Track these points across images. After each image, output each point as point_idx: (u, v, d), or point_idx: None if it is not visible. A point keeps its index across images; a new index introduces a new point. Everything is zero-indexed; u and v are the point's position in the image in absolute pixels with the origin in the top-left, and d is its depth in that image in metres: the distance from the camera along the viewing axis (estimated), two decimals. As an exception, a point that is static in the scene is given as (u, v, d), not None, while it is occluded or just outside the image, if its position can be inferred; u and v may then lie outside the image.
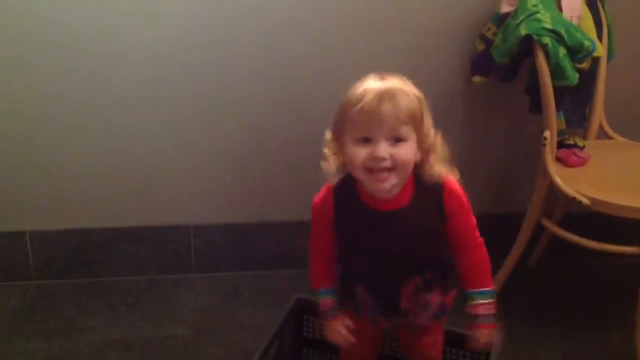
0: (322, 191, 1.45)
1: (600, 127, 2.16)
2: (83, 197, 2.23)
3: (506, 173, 2.35)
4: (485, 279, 1.47)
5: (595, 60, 2.06)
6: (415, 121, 1.29)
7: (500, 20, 2.02)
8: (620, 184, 1.94)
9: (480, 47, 2.10)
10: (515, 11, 1.94)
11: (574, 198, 1.85)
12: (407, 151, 1.29)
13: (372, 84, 1.29)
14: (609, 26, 2.10)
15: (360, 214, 1.39)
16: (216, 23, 2.06)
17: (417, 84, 2.14)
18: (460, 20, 2.14)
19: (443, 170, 1.37)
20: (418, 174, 1.38)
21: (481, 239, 1.46)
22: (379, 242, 1.40)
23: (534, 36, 1.83)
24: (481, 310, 1.46)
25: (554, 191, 1.95)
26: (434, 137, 1.35)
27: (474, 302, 1.46)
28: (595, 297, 2.27)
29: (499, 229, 2.21)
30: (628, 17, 2.18)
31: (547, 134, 1.90)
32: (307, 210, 2.29)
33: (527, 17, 1.86)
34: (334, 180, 1.42)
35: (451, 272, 1.49)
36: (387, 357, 1.73)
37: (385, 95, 1.26)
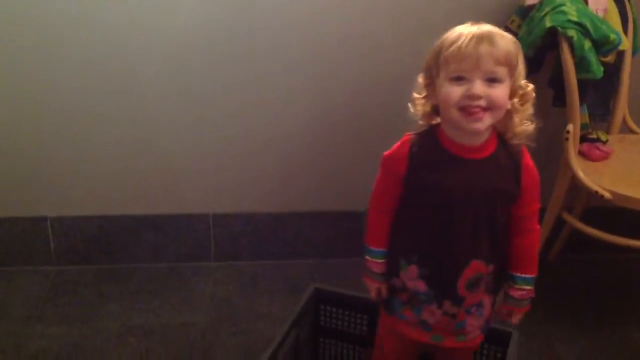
0: (396, 144, 1.40)
1: (624, 121, 2.14)
2: (104, 184, 2.25)
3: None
4: (532, 265, 1.45)
5: (620, 54, 2.04)
6: (511, 64, 1.29)
7: (525, 12, 2.00)
8: (644, 178, 1.93)
9: (504, 39, 2.08)
10: (540, 3, 1.92)
11: (596, 192, 1.84)
12: (502, 92, 1.28)
13: (468, 28, 1.29)
14: (634, 20, 2.08)
15: (439, 160, 1.35)
16: (239, 15, 2.07)
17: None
18: (484, 13, 2.12)
19: (527, 132, 1.37)
20: (503, 131, 1.37)
21: (538, 227, 1.45)
22: (454, 190, 1.34)
23: (559, 28, 1.81)
24: (520, 295, 1.45)
25: (575, 185, 1.94)
26: (526, 86, 1.35)
27: (516, 285, 1.44)
28: (615, 292, 2.26)
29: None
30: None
31: (570, 127, 1.89)
32: (326, 202, 2.32)
33: (552, 9, 1.85)
34: (418, 126, 1.38)
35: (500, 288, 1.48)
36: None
37: (482, 36, 1.26)
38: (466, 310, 1.43)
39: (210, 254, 2.35)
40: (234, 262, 2.36)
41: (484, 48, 1.25)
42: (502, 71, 1.27)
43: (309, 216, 2.34)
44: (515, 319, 1.48)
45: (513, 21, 2.05)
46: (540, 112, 2.21)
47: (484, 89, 1.26)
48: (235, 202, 2.31)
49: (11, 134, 2.15)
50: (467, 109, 1.27)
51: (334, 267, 2.33)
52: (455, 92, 1.27)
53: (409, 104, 1.38)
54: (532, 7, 1.97)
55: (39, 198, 2.24)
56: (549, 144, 2.20)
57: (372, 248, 1.47)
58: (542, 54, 1.98)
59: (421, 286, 1.41)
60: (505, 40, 1.28)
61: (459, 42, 1.26)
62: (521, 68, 1.32)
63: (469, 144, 1.34)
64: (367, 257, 1.48)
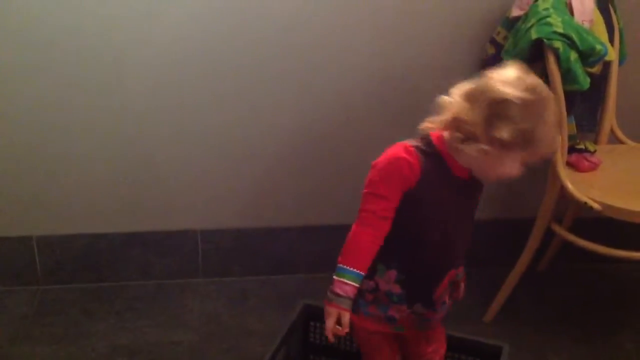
0: (405, 152, 1.35)
1: (612, 131, 2.14)
2: (90, 202, 2.22)
3: (517, 178, 2.32)
4: None
5: (607, 65, 2.04)
6: None
7: (511, 24, 2.00)
8: (632, 189, 1.92)
9: (491, 51, 2.08)
10: (526, 15, 1.92)
11: (585, 203, 1.83)
12: None
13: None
14: (620, 30, 2.08)
15: (443, 180, 1.37)
16: (227, 29, 2.06)
17: (426, 89, 2.15)
18: (470, 25, 2.12)
19: None
20: None
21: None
22: (451, 208, 1.40)
23: (545, 40, 1.81)
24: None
25: (564, 196, 1.93)
26: None
27: None
28: (606, 303, 2.25)
29: (508, 234, 2.21)
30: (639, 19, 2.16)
31: (558, 138, 1.88)
32: (315, 216, 2.31)
33: (538, 21, 1.85)
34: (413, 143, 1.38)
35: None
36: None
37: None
38: (433, 309, 1.48)
39: (198, 270, 2.33)
40: (222, 278, 2.34)
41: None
42: None
43: (298, 231, 2.33)
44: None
45: (499, 33, 2.05)
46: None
47: None
48: (223, 218, 2.29)
49: (-5, 153, 2.14)
50: None
51: (324, 281, 2.29)
52: (516, 170, 1.37)
53: (427, 121, 1.38)
54: (517, 18, 1.97)
55: (24, 217, 2.21)
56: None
57: (352, 269, 1.37)
58: (528, 65, 1.97)
59: (396, 289, 1.44)
60: None
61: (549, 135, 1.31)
62: None
63: (465, 166, 1.38)
64: (341, 279, 1.37)
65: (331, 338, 1.41)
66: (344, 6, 2.07)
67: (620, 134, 2.15)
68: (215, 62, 2.10)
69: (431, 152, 1.37)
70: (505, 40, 2.02)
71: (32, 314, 2.16)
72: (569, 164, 1.99)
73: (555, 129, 1.33)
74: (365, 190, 1.39)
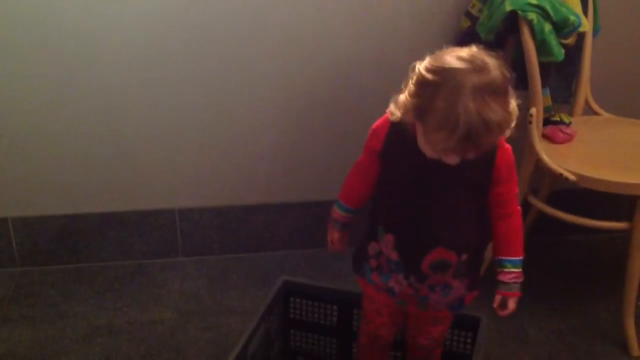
0: (382, 119, 1.43)
1: (587, 103, 2.15)
2: (66, 182, 2.20)
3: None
4: (518, 247, 1.47)
5: (581, 36, 2.05)
6: None
7: (485, -4, 2.00)
8: (607, 159, 1.93)
9: (466, 24, 2.08)
10: (500, -13, 1.92)
11: (561, 174, 1.85)
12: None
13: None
14: (594, 1, 2.08)
15: (410, 148, 1.34)
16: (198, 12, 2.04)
17: (402, 63, 2.13)
18: (445, -3, 2.12)
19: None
20: None
21: (519, 208, 1.46)
22: (421, 180, 1.38)
23: (519, 12, 1.81)
24: (509, 278, 1.47)
25: (540, 168, 1.94)
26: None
27: (505, 269, 1.46)
28: (582, 273, 2.28)
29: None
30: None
31: (533, 110, 1.89)
32: (293, 192, 2.31)
33: (512, -8, 1.84)
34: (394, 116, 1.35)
35: (477, 272, 1.51)
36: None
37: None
38: (429, 287, 1.47)
39: (177, 249, 2.33)
40: (202, 256, 2.33)
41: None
42: None
43: (277, 208, 2.33)
44: (512, 304, 1.49)
45: (474, 5, 2.04)
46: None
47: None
48: (201, 196, 2.29)
49: (-33, 134, 2.11)
50: None
51: (304, 257, 2.32)
52: (430, 151, 1.29)
53: (392, 106, 1.33)
54: (492, -9, 1.97)
55: (-1, 199, 2.20)
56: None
57: (341, 202, 1.56)
58: (503, 37, 1.98)
59: (394, 255, 1.45)
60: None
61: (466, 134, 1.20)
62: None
63: None
64: (334, 208, 1.57)
65: (330, 249, 1.62)
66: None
67: (595, 105, 2.16)
68: (193, 35, 2.07)
69: (407, 128, 1.36)
70: (480, 13, 2.01)
71: (10, 296, 2.15)
72: (544, 136, 1.99)
73: (444, 123, 1.20)
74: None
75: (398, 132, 1.37)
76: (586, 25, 2.00)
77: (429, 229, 1.41)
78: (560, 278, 2.26)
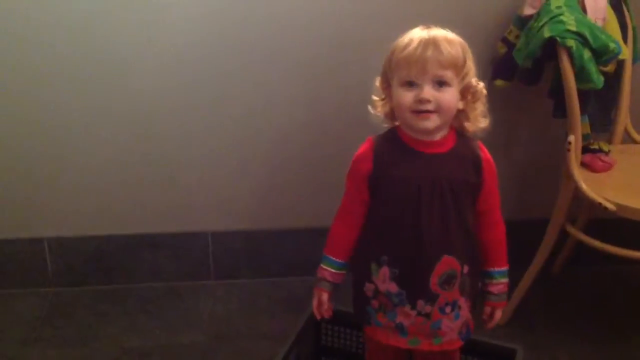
0: (362, 146, 1.46)
1: (626, 131, 2.12)
2: (101, 204, 2.22)
3: (530, 178, 2.31)
4: (504, 258, 1.52)
5: (621, 63, 2.02)
6: (457, 67, 1.37)
7: (523, 22, 1.98)
8: (648, 188, 1.90)
9: (503, 50, 2.06)
10: (538, 13, 1.90)
11: (600, 204, 1.81)
12: (450, 95, 1.36)
13: (417, 33, 1.38)
14: (634, 28, 2.06)
15: (403, 156, 1.41)
16: (225, 31, 2.05)
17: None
18: (482, 23, 2.10)
19: (482, 127, 1.45)
20: (460, 128, 1.44)
21: (502, 219, 1.51)
22: (420, 182, 1.39)
23: (558, 39, 1.79)
24: (498, 289, 1.51)
25: (578, 197, 1.91)
26: (477, 85, 1.42)
27: (493, 280, 1.50)
28: (619, 306, 2.23)
29: (522, 235, 2.18)
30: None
31: (571, 138, 1.86)
32: (325, 217, 2.27)
33: (550, 19, 1.83)
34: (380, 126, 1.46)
35: (476, 292, 1.51)
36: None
37: (428, 42, 1.35)
38: (440, 309, 1.44)
39: (209, 272, 2.33)
40: (233, 280, 2.33)
41: (430, 53, 1.33)
42: (449, 74, 1.35)
43: (309, 232, 2.31)
44: (498, 314, 1.52)
45: (511, 31, 2.03)
46: (540, 122, 2.21)
47: (432, 92, 1.34)
48: (234, 220, 2.29)
49: (5, 154, 2.14)
50: (417, 112, 1.36)
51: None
52: (406, 97, 1.36)
53: (369, 107, 1.46)
54: (530, 17, 1.95)
55: (36, 219, 2.22)
56: (550, 155, 2.19)
57: (331, 257, 1.52)
58: (541, 64, 1.96)
59: (393, 287, 1.44)
60: (451, 45, 1.36)
61: (408, 49, 1.35)
62: (469, 68, 1.40)
63: (429, 140, 1.41)
64: (323, 266, 1.52)
65: (317, 315, 1.56)
66: (355, 9, 2.07)
67: (634, 133, 2.12)
68: (222, 61, 2.09)
69: (390, 135, 1.45)
70: (517, 39, 2.00)
71: (43, 317, 2.16)
72: (583, 164, 1.96)
73: (404, 47, 1.36)
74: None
75: (383, 143, 1.43)
76: (626, 53, 1.98)
77: (433, 239, 1.40)
78: (597, 309, 2.21)
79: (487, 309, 1.52)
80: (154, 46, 2.05)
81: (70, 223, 2.23)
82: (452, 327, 1.47)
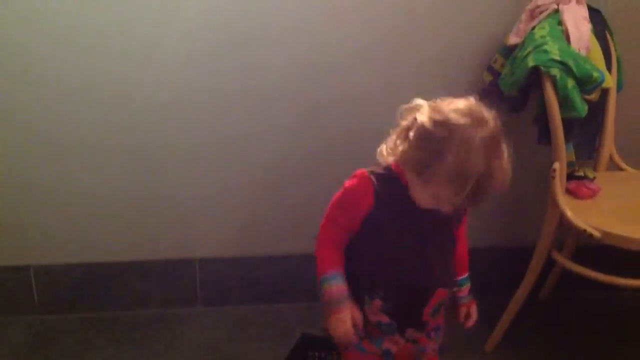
0: (359, 178, 1.41)
1: (611, 158, 2.14)
2: (88, 232, 2.22)
3: (515, 205, 2.32)
4: (467, 266, 1.57)
5: (605, 92, 2.05)
6: None
7: (508, 52, 2.01)
8: (632, 216, 1.91)
9: (488, 78, 2.09)
10: (523, 42, 1.93)
11: (585, 231, 1.82)
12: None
13: (475, 156, 1.25)
14: (618, 57, 2.09)
15: (402, 200, 1.36)
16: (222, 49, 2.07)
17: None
18: (467, 53, 2.13)
19: None
20: None
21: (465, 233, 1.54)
22: (422, 230, 1.39)
23: (542, 67, 1.82)
24: (466, 292, 1.56)
25: (564, 224, 1.92)
26: None
27: (463, 287, 1.55)
28: (607, 331, 2.23)
29: (508, 262, 2.20)
30: (637, 46, 2.17)
31: (556, 165, 1.88)
32: (314, 244, 2.29)
33: (535, 48, 1.85)
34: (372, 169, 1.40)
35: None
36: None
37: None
38: (427, 335, 1.48)
39: (197, 299, 2.32)
40: (221, 306, 2.32)
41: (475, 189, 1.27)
42: None
43: (298, 258, 2.31)
44: (474, 311, 1.56)
45: (496, 60, 2.06)
46: (526, 149, 2.23)
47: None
48: (221, 246, 2.28)
49: (-8, 181, 2.13)
50: None
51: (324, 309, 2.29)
52: (425, 196, 1.32)
53: (382, 153, 1.39)
54: (515, 46, 1.98)
55: (22, 246, 2.20)
56: (536, 181, 2.21)
57: (331, 272, 1.41)
58: (526, 92, 1.99)
59: (384, 319, 1.44)
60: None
61: (459, 179, 1.25)
62: None
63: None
64: (328, 287, 1.40)
65: (348, 341, 1.41)
66: (341, 44, 2.10)
67: (619, 160, 2.14)
68: (214, 86, 2.10)
69: (389, 176, 1.40)
70: (502, 68, 2.03)
71: (29, 344, 2.14)
72: (568, 191, 1.98)
73: (455, 178, 1.24)
74: (326, 219, 1.47)
75: (384, 185, 1.38)
76: (610, 81, 2.00)
77: (429, 275, 1.42)
78: (585, 336, 2.21)
79: (463, 310, 1.54)
80: (150, 66, 2.06)
81: (56, 251, 2.22)
82: (435, 347, 1.52)
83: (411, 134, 1.29)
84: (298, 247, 2.29)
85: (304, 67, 2.10)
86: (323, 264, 1.43)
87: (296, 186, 2.24)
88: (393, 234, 1.39)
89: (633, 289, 1.92)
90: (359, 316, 1.42)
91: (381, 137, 2.13)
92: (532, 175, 2.25)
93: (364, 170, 1.41)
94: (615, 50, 2.08)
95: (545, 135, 1.99)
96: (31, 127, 2.08)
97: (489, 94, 2.08)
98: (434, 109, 1.29)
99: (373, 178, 1.39)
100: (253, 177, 2.21)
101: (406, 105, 1.36)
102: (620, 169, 2.14)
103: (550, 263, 2.13)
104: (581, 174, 2.03)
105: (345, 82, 2.13)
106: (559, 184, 1.89)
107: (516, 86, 1.92)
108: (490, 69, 2.08)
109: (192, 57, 2.06)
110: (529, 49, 1.87)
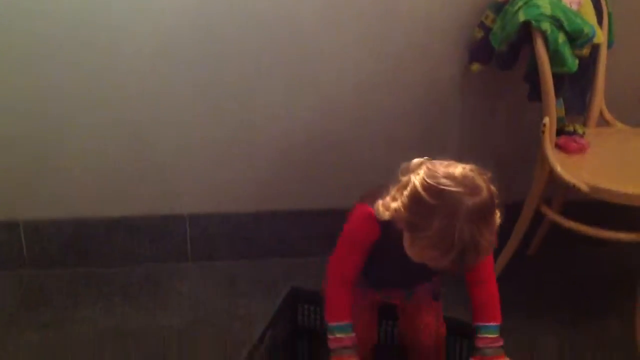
0: (366, 218, 1.41)
1: (601, 114, 2.14)
2: (77, 187, 2.21)
3: (506, 161, 2.31)
4: (494, 314, 1.50)
5: (596, 47, 2.04)
6: None
7: (499, 7, 1.99)
8: (620, 170, 1.92)
9: (479, 35, 2.07)
10: (514, -3, 1.91)
11: (573, 185, 1.83)
12: None
13: (463, 234, 1.24)
14: (609, 14, 2.08)
15: (398, 245, 1.36)
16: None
17: (416, 74, 2.14)
18: (458, 9, 2.11)
19: None
20: None
21: (494, 274, 1.52)
22: (405, 268, 1.40)
23: (533, 22, 1.81)
24: (483, 344, 1.48)
25: (553, 179, 1.93)
26: None
27: (479, 335, 1.49)
28: (594, 287, 2.25)
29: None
30: (628, 3, 2.15)
31: (546, 120, 1.88)
32: (303, 200, 2.30)
33: (525, 3, 1.84)
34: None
35: None
36: (385, 346, 1.71)
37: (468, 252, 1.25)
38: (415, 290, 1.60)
39: (187, 255, 2.32)
40: (211, 262, 2.33)
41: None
42: None
43: (287, 215, 2.32)
44: None
45: (487, 16, 2.04)
46: (516, 107, 2.23)
47: None
48: (211, 202, 2.28)
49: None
50: None
51: (313, 265, 2.29)
52: (417, 257, 1.31)
53: (379, 208, 1.35)
54: (505, 1, 1.96)
55: (11, 202, 2.20)
56: (526, 138, 2.21)
57: (342, 323, 1.46)
58: (517, 48, 1.98)
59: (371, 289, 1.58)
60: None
61: (451, 254, 1.24)
62: None
63: None
64: (338, 336, 1.46)
65: None
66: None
67: (609, 116, 2.15)
68: (211, 45, 2.08)
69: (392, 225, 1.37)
70: (493, 24, 2.01)
71: (19, 300, 2.14)
72: (557, 146, 1.98)
73: (439, 244, 1.24)
74: (335, 254, 1.48)
75: (388, 224, 1.36)
76: (600, 37, 2.00)
77: (417, 284, 1.58)
78: (574, 291, 2.23)
79: None
80: (142, 26, 2.04)
81: (46, 206, 2.21)
82: (425, 292, 1.60)
83: (405, 193, 1.30)
84: (287, 203, 2.30)
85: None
86: (332, 311, 1.49)
87: (288, 143, 2.23)
88: (383, 256, 1.45)
89: (619, 243, 1.95)
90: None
91: (371, 89, 2.16)
92: (522, 132, 2.26)
93: (370, 209, 1.40)
94: (607, 5, 2.06)
95: (535, 92, 1.99)
96: (16, 80, 2.06)
97: (480, 50, 2.08)
98: (429, 173, 1.28)
99: (380, 223, 1.38)
100: (246, 135, 2.21)
101: (405, 164, 1.35)
102: (610, 125, 2.15)
103: (538, 221, 2.14)
104: (571, 129, 2.03)
105: (333, 40, 2.11)
106: (549, 139, 1.90)
107: (507, 41, 1.91)
108: (481, 25, 2.06)
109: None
110: (519, 4, 1.86)
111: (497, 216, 1.30)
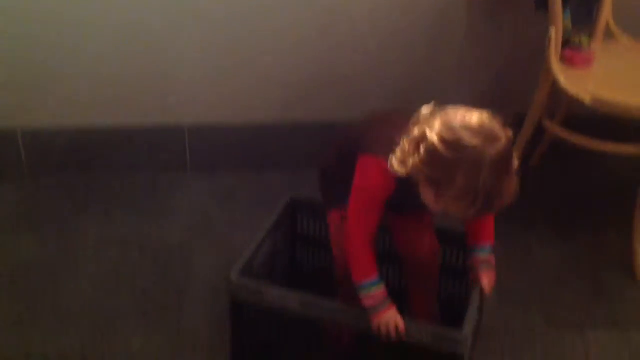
0: (381, 171, 1.35)
1: (608, 27, 2.09)
2: (78, 95, 2.18)
3: (512, 74, 2.29)
4: (489, 236, 1.53)
5: (606, -44, 1.98)
6: None
7: None
8: (624, 84, 1.89)
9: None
10: None
11: (576, 96, 1.81)
12: None
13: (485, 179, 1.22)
14: None
15: (413, 195, 1.34)
16: None
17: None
18: None
19: None
20: None
21: None
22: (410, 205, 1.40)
23: None
24: (482, 261, 1.52)
25: (556, 90, 1.91)
26: None
27: (480, 255, 1.52)
28: (595, 199, 2.26)
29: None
30: None
31: (552, 31, 1.84)
32: (304, 112, 2.28)
33: None
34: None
35: None
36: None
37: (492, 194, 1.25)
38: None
39: (186, 165, 2.32)
40: (211, 173, 2.32)
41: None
42: None
43: (288, 127, 2.30)
44: (490, 280, 1.52)
45: None
46: (522, 18, 2.18)
47: None
48: (211, 113, 2.27)
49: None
50: None
51: (313, 178, 2.30)
52: (432, 205, 1.30)
53: (394, 163, 1.31)
54: None
55: (8, 110, 2.18)
56: (531, 50, 2.17)
57: (371, 280, 1.43)
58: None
59: None
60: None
61: (473, 207, 1.24)
62: None
63: None
64: (371, 293, 1.42)
65: (396, 337, 1.43)
66: None
67: (616, 29, 2.10)
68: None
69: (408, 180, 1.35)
70: None
71: (18, 209, 2.16)
72: (562, 59, 1.95)
73: (464, 197, 1.23)
74: (354, 214, 1.43)
75: (402, 180, 1.34)
76: (612, -56, 1.93)
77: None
78: (573, 202, 2.24)
79: (480, 277, 1.52)
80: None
81: (45, 114, 2.20)
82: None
83: (422, 149, 1.26)
84: (288, 116, 2.28)
85: None
86: (360, 270, 1.44)
87: (289, 55, 2.19)
88: (393, 204, 1.43)
89: (620, 156, 1.94)
90: (399, 318, 1.43)
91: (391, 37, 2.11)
92: (528, 44, 2.21)
93: (382, 161, 1.35)
94: None
95: (542, 2, 1.94)
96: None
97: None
98: (445, 126, 1.25)
99: (395, 176, 1.34)
100: (246, 45, 2.17)
101: (417, 114, 1.31)
102: (617, 38, 2.10)
103: (541, 132, 2.13)
104: (577, 40, 1.99)
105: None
106: (554, 51, 1.86)
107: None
108: None
109: None
110: None
111: (515, 159, 1.29)
